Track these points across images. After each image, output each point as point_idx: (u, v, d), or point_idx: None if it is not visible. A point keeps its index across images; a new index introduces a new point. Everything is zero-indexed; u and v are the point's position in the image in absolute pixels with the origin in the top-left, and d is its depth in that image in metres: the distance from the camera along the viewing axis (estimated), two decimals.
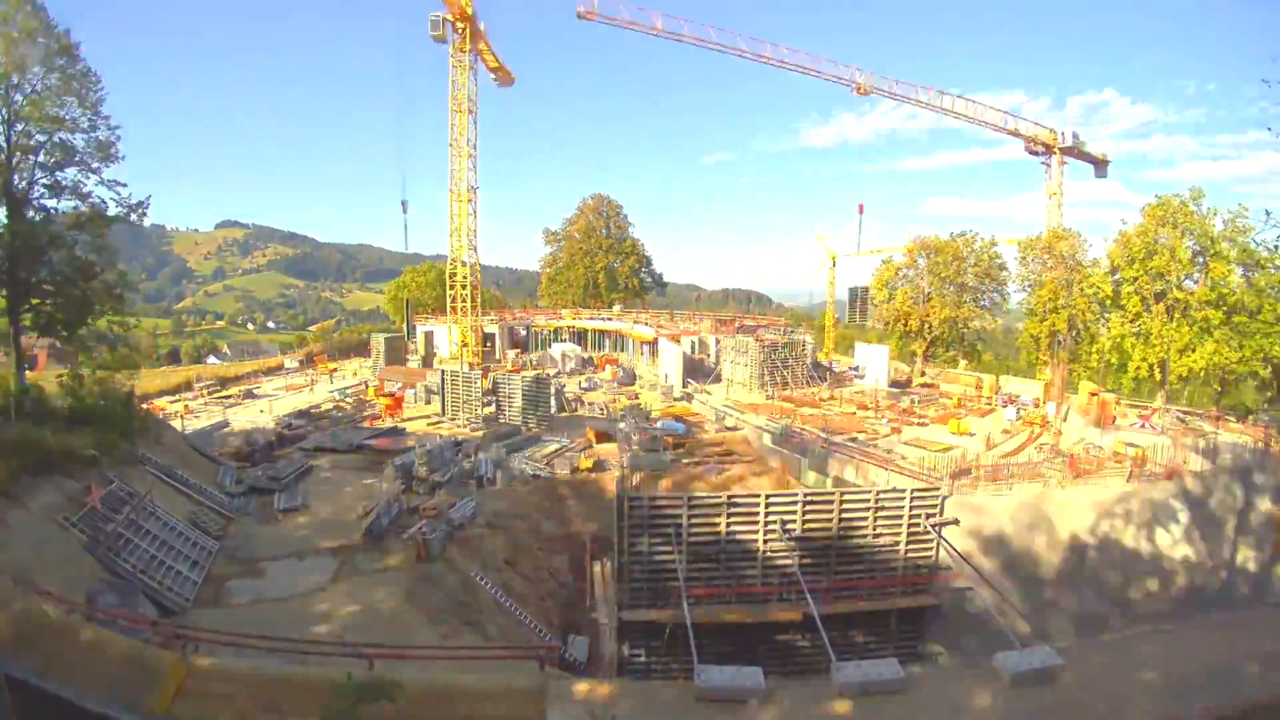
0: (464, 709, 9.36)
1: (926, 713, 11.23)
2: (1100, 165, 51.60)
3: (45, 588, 12.09)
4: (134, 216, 21.77)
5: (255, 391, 37.54)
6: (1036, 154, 50.79)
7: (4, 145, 19.15)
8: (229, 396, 36.32)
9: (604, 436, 29.27)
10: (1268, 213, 36.56)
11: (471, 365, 40.79)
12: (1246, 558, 19.52)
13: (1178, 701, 11.43)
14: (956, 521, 17.03)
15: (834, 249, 62.86)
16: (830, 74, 47.80)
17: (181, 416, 29.45)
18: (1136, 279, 38.87)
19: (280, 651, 10.64)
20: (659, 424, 31.34)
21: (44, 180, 20.03)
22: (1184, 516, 19.00)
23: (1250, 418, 28.40)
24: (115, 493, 16.41)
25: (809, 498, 16.73)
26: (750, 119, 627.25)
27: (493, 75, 47.67)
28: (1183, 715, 11.18)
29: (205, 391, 37.12)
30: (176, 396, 35.63)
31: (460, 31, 43.56)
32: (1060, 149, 49.92)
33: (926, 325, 51.82)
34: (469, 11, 43.32)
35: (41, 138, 19.72)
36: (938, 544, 16.56)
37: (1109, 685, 11.89)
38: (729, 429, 31.91)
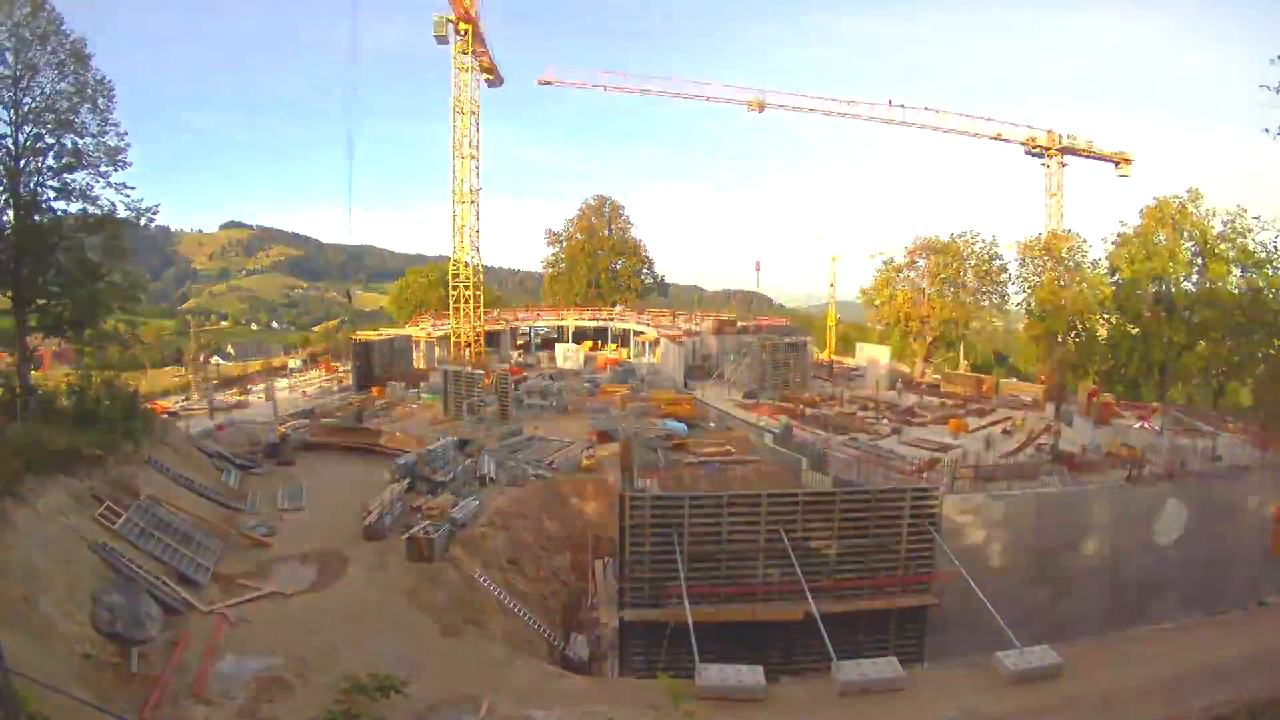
0: None
1: (927, 712, 11.33)
2: (1120, 164, 50.18)
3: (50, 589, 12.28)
4: (143, 220, 21.88)
5: (259, 391, 37.72)
6: (1036, 155, 50.83)
7: (13, 147, 19.26)
8: (233, 396, 36.54)
9: (606, 436, 29.36)
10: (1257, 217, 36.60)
11: (473, 365, 40.94)
12: (1244, 557, 19.62)
13: (1176, 701, 11.52)
14: (954, 518, 17.15)
15: (834, 250, 63.05)
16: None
17: (185, 417, 29.62)
18: (1135, 280, 38.91)
19: None
20: (660, 424, 31.43)
21: (53, 183, 20.13)
22: (1182, 516, 19.10)
23: (1238, 403, 28.44)
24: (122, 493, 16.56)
25: (809, 498, 16.85)
26: None
27: (486, 76, 47.94)
28: (1181, 714, 11.27)
29: (210, 391, 37.33)
30: (182, 396, 35.85)
31: (463, 34, 43.76)
32: (1062, 149, 49.94)
33: (927, 326, 51.87)
34: (472, 13, 43.53)
35: (51, 141, 19.83)
36: (936, 544, 16.67)
37: (1108, 684, 11.97)
38: (729, 429, 32.00)
